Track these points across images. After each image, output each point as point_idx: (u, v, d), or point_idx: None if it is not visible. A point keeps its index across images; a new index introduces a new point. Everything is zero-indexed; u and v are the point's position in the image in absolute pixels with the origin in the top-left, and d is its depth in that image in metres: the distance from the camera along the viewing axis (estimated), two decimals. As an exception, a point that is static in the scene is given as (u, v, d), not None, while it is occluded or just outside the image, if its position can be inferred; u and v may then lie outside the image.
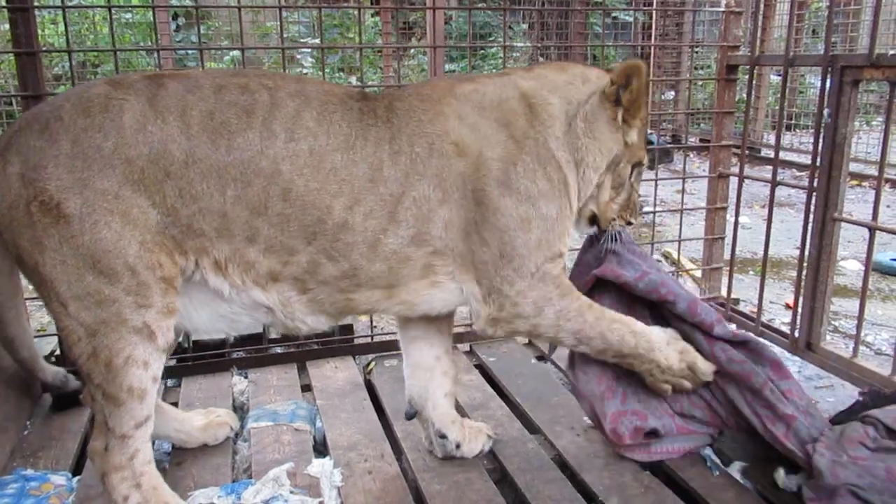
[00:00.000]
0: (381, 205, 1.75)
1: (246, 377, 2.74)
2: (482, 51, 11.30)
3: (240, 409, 2.53)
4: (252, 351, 2.88)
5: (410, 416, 2.20)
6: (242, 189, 1.68)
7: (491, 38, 11.57)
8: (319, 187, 1.71)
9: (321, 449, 2.27)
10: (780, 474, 1.97)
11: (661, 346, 1.98)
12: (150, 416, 1.74)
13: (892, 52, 2.37)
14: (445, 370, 2.14)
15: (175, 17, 10.36)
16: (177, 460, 2.14)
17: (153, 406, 1.74)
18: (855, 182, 6.99)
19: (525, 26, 11.72)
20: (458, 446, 2.13)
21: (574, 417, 2.34)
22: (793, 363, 3.20)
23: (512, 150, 1.83)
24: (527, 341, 3.07)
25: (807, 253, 2.70)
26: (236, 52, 9.55)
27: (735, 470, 2.04)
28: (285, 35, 2.78)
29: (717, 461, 2.08)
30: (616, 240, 2.09)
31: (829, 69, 2.54)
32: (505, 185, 1.80)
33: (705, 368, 2.02)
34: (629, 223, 2.08)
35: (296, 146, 1.70)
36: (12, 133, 1.67)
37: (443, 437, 2.12)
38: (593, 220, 2.06)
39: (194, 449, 2.18)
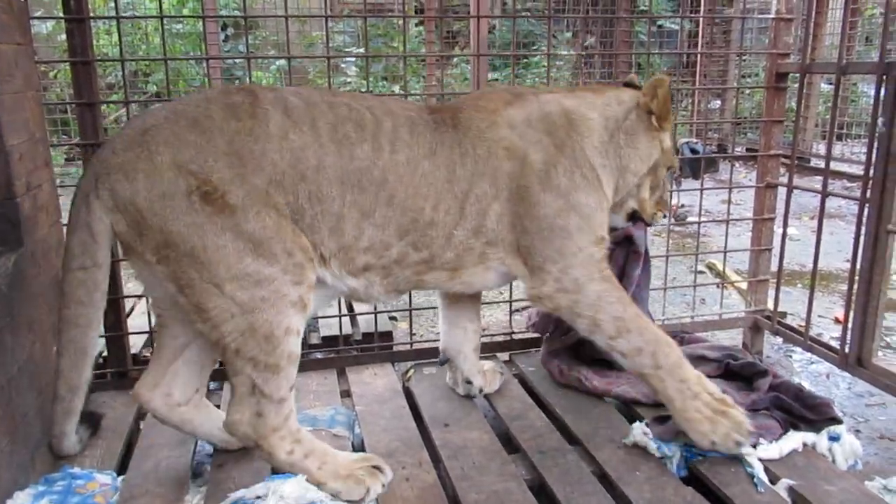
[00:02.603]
0: (455, 202, 2.02)
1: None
2: (525, 59, 11.29)
3: (280, 414, 2.56)
4: (293, 356, 2.90)
5: (443, 362, 2.63)
6: (358, 194, 1.91)
7: (535, 47, 11.56)
8: (415, 192, 1.97)
9: (359, 455, 2.28)
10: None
11: (685, 362, 2.09)
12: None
13: (950, 59, 2.29)
14: (476, 329, 2.54)
15: (224, 27, 10.60)
16: (218, 462, 2.17)
17: None
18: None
19: (569, 35, 11.66)
20: (480, 390, 2.56)
21: (615, 430, 2.31)
22: (842, 379, 3.11)
23: (553, 154, 2.09)
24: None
25: (858, 266, 2.62)
26: (283, 61, 9.72)
27: (781, 488, 1.99)
28: (330, 44, 2.82)
29: (764, 478, 2.02)
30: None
31: (885, 76, 2.47)
32: (545, 182, 2.06)
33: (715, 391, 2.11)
34: (664, 216, 2.44)
35: (397, 157, 1.95)
36: (148, 126, 1.77)
37: (469, 382, 2.55)
38: (632, 215, 2.35)
39: (235, 452, 2.20)
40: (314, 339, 3.17)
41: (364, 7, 3.17)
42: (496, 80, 10.46)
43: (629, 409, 2.48)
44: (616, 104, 2.23)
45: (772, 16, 3.18)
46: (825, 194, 2.80)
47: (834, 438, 2.19)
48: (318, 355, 3.02)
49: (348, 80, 10.74)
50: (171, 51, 8.59)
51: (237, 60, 9.88)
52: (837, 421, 2.25)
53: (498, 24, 12.17)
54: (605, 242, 2.13)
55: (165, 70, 2.78)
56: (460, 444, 2.25)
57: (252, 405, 1.86)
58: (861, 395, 2.98)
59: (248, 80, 3.04)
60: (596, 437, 2.28)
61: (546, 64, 3.14)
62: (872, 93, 2.63)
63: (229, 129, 1.78)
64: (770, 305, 3.18)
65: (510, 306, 3.34)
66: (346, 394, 2.69)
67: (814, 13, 3.09)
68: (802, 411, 2.26)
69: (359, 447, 2.33)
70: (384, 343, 3.02)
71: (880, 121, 2.48)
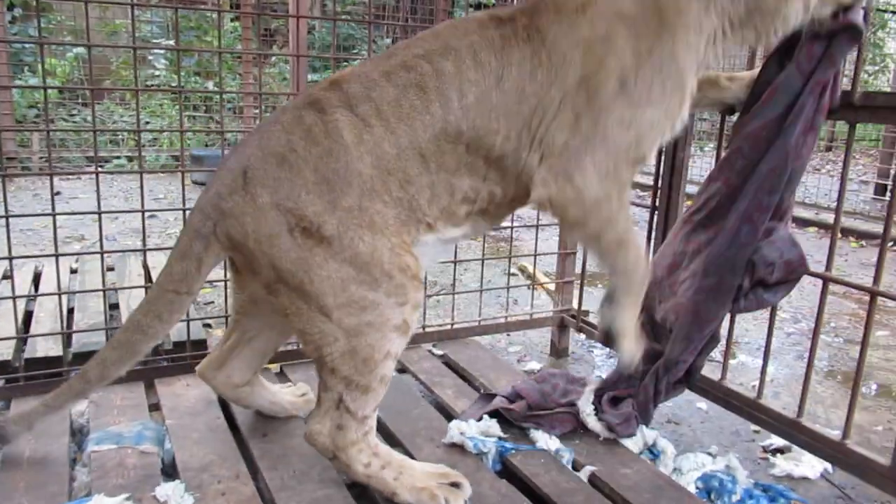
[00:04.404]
0: (522, 122, 1.86)
1: (85, 397, 2.54)
2: (345, 62, 11.27)
3: (79, 433, 2.35)
4: (94, 369, 2.68)
5: None
6: (440, 157, 1.85)
7: (354, 51, 11.57)
8: (486, 130, 1.85)
9: (170, 472, 2.15)
10: None
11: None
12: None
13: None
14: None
15: (10, 7, 9.58)
16: (5, 491, 1.95)
17: None
18: (690, 202, 7.57)
19: (389, 41, 11.80)
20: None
21: (434, 429, 2.37)
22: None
23: (633, 62, 1.81)
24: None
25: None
26: (81, 49, 8.94)
27: (584, 475, 2.14)
28: (136, 34, 2.64)
29: (570, 468, 2.18)
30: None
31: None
32: (618, 90, 1.80)
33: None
34: None
35: (466, 101, 1.83)
36: (244, 168, 1.80)
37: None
38: (836, 14, 1.90)
39: (25, 476, 2.00)
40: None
41: (175, -2, 3.00)
42: (316, 81, 10.34)
43: (447, 410, 2.56)
44: None
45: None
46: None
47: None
48: (123, 367, 2.81)
49: (157, 72, 10.13)
50: (-57, 29, 7.61)
51: (27, 45, 8.98)
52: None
53: (318, 25, 12.04)
54: (641, 164, 1.91)
55: (-63, 51, 2.46)
56: (280, 454, 2.20)
57: (335, 418, 1.89)
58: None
59: (39, 67, 2.76)
60: (416, 438, 2.33)
61: (366, 68, 3.15)
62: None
63: (312, 156, 1.78)
64: (575, 305, 3.41)
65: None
66: (154, 407, 2.53)
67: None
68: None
69: (170, 463, 2.20)
70: (197, 352, 2.86)
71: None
